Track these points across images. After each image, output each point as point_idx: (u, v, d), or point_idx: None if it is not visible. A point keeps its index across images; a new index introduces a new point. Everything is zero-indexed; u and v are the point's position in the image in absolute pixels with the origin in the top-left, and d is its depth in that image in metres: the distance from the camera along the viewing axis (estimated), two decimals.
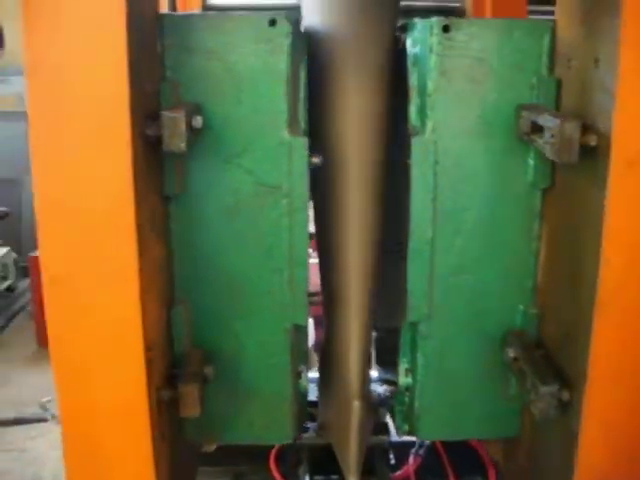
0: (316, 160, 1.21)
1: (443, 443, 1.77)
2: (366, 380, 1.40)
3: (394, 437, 1.79)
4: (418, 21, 1.25)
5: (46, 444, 3.87)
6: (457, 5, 1.67)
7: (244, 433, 1.35)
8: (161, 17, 1.14)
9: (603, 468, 1.11)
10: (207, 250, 1.24)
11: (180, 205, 1.19)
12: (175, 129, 1.02)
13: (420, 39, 1.22)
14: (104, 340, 1.04)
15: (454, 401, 1.32)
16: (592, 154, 1.04)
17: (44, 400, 4.33)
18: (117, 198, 1.00)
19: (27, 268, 6.02)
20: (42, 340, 5.32)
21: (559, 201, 1.19)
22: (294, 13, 1.19)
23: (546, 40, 1.19)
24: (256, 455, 1.73)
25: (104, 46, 0.95)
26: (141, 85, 1.01)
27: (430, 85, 1.18)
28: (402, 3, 1.38)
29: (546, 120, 1.08)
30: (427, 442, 1.86)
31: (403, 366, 1.32)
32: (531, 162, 1.20)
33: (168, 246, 1.20)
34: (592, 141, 1.03)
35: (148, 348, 1.06)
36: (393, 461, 1.73)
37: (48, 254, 1.01)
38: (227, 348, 1.28)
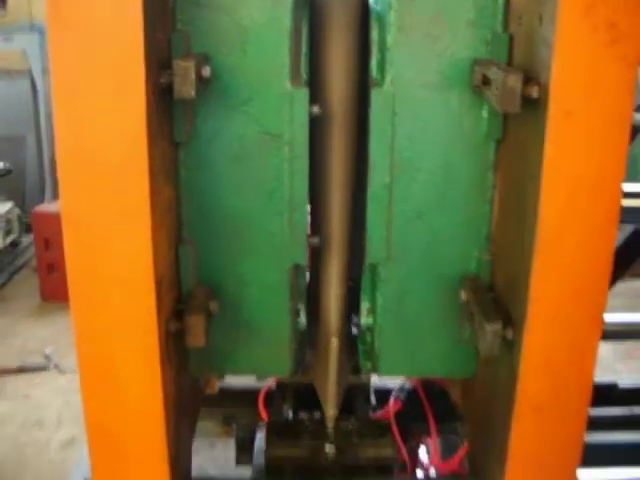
0: (316, 110, 1.28)
1: (424, 389, 1.87)
2: (344, 320, 1.48)
3: (377, 382, 1.90)
4: None
5: (49, 391, 4.01)
6: None
7: (245, 366, 1.43)
8: None
9: (540, 400, 1.19)
10: (213, 193, 1.31)
11: (188, 151, 1.27)
12: (186, 77, 1.08)
13: None
14: (118, 274, 1.12)
15: (412, 341, 1.39)
16: (535, 106, 1.09)
17: (47, 350, 4.47)
18: (131, 143, 1.06)
19: (31, 224, 6.13)
20: (45, 294, 5.43)
21: (509, 152, 1.25)
22: None
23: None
24: (244, 399, 1.82)
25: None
26: (154, 36, 1.07)
27: (389, 40, 1.24)
28: None
29: (493, 73, 1.14)
30: (407, 386, 1.97)
31: (364, 306, 1.40)
32: (485, 114, 1.26)
33: (177, 189, 1.27)
34: (534, 93, 1.08)
35: (158, 282, 1.13)
36: (374, 402, 1.85)
37: (67, 195, 1.08)
38: (230, 286, 1.36)
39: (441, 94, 1.26)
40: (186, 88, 1.08)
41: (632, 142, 3.60)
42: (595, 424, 1.96)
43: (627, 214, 2.22)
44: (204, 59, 1.15)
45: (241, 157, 1.28)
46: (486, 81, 1.18)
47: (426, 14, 1.24)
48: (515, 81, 1.08)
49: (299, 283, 1.40)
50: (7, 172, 5.82)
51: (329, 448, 1.48)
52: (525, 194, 1.16)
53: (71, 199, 1.08)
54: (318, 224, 1.40)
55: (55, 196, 6.73)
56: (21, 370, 4.22)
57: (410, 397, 1.93)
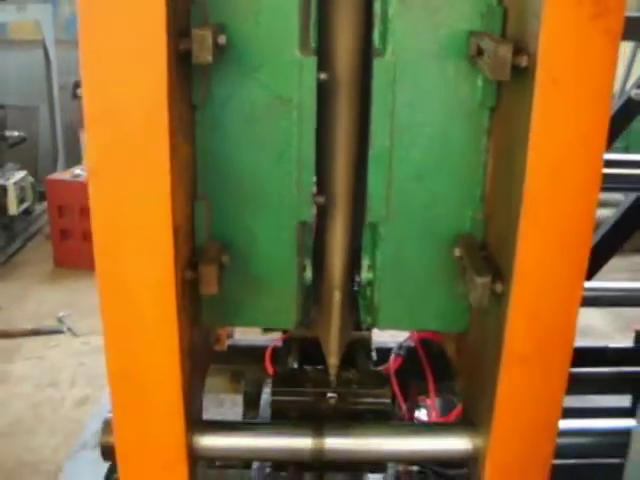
0: (323, 76, 1.37)
1: (423, 348, 1.96)
2: (347, 276, 1.58)
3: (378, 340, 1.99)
4: None
5: (63, 353, 4.15)
6: None
7: (253, 317, 1.52)
8: None
9: (526, 350, 1.28)
10: (226, 153, 1.40)
11: (204, 113, 1.35)
12: (203, 44, 1.17)
13: None
14: (138, 225, 1.21)
15: (410, 296, 1.48)
16: (524, 74, 1.17)
17: (61, 314, 4.61)
18: (153, 103, 1.15)
19: (44, 192, 6.24)
20: (58, 260, 5.58)
21: (502, 119, 1.34)
22: None
23: None
24: (252, 356, 1.92)
25: None
26: (175, 6, 1.15)
27: (391, 12, 1.31)
28: None
29: (486, 43, 1.22)
30: (407, 343, 2.07)
31: (365, 262, 1.48)
32: (480, 83, 1.33)
33: (193, 149, 1.36)
34: (523, 62, 1.16)
35: (175, 231, 1.22)
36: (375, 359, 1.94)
37: (92, 151, 1.17)
38: (241, 241, 1.44)
39: (439, 64, 1.34)
40: (203, 54, 1.16)
41: (634, 117, 3.69)
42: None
43: (632, 182, 2.31)
44: (220, 28, 1.23)
45: (252, 120, 1.37)
46: (480, 51, 1.26)
47: None
48: (506, 51, 1.16)
49: (305, 239, 1.49)
50: (21, 140, 5.93)
51: (331, 395, 1.58)
52: (514, 158, 1.25)
53: (96, 155, 1.17)
54: (324, 184, 1.49)
55: (67, 165, 6.83)
56: (35, 333, 4.36)
57: (410, 355, 2.03)
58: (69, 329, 4.38)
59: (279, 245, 1.45)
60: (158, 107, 1.14)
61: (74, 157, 7.17)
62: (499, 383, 1.32)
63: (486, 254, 1.38)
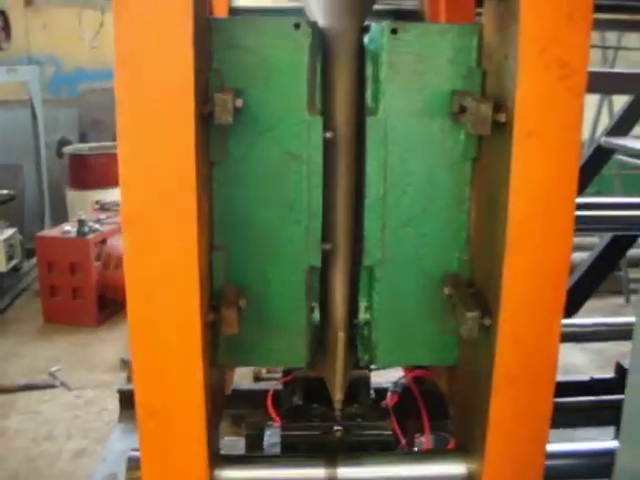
0: (329, 135, 1.51)
1: (417, 386, 2.06)
2: (349, 318, 1.68)
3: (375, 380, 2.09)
4: (374, 24, 1.55)
5: (57, 407, 4.20)
6: (417, 9, 1.97)
7: (267, 357, 1.63)
8: (211, 20, 1.44)
9: (514, 373, 1.40)
10: (241, 205, 1.52)
11: (221, 169, 1.49)
12: (225, 107, 1.31)
13: (375, 39, 1.51)
14: (168, 272, 1.32)
15: (404, 334, 1.60)
16: (503, 129, 1.32)
17: (53, 369, 4.66)
18: (183, 163, 1.28)
19: (31, 249, 6.32)
20: (48, 316, 5.63)
21: (483, 169, 1.48)
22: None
23: (474, 40, 1.47)
24: (253, 400, 2.01)
25: (177, 45, 1.23)
26: (199, 75, 1.29)
27: (382, 75, 1.47)
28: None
29: (468, 102, 1.37)
30: (402, 381, 2.17)
31: (363, 304, 1.60)
32: (462, 137, 1.48)
33: (210, 202, 1.48)
34: (502, 118, 1.31)
35: (201, 279, 1.34)
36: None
37: (127, 203, 1.29)
38: (255, 285, 1.55)
39: (425, 120, 1.49)
40: (224, 116, 1.30)
41: (605, 163, 3.93)
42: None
43: (605, 223, 2.48)
44: (237, 92, 1.36)
45: (266, 174, 1.50)
46: (462, 109, 1.40)
47: (412, 53, 1.46)
48: (487, 108, 1.31)
49: (314, 283, 1.60)
50: (10, 198, 6.03)
51: (337, 428, 1.69)
52: (496, 203, 1.38)
53: (131, 207, 1.28)
54: (328, 232, 1.60)
55: (54, 222, 6.92)
56: (29, 387, 4.40)
57: (405, 392, 2.13)
58: (62, 383, 4.43)
59: (290, 288, 1.57)
60: (187, 166, 1.28)
61: (60, 214, 7.27)
62: (491, 406, 1.43)
63: (473, 291, 1.51)
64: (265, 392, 1.97)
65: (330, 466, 1.52)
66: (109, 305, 5.66)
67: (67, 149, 7.50)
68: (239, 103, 1.34)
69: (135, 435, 2.13)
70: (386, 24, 1.46)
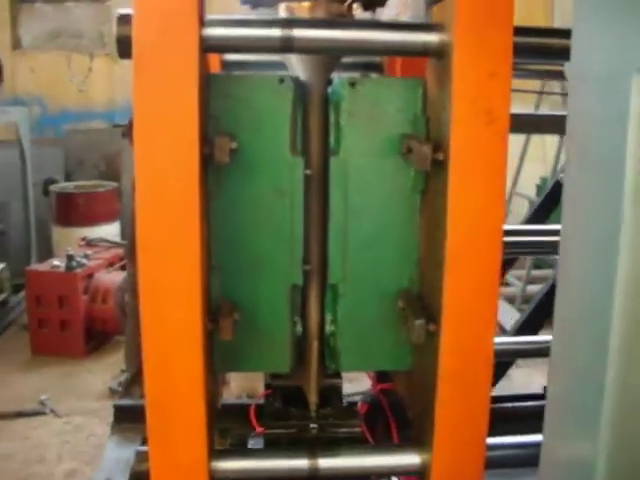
0: (308, 172, 1.76)
1: (386, 398, 2.27)
2: (321, 329, 1.88)
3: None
4: (336, 77, 1.82)
5: (47, 432, 4.37)
6: (378, 61, 2.25)
7: (255, 363, 1.86)
8: (210, 76, 1.69)
9: (455, 374, 1.62)
10: (235, 232, 1.74)
11: (218, 201, 1.71)
12: (223, 149, 1.55)
13: (336, 90, 1.76)
14: (176, 288, 1.55)
15: (365, 343, 1.81)
16: (442, 166, 1.57)
17: (43, 397, 4.83)
18: (188, 193, 1.51)
19: (18, 284, 6.50)
20: (36, 348, 5.80)
21: (429, 199, 1.72)
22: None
23: (420, 92, 1.71)
24: (237, 414, 2.20)
25: (185, 100, 1.49)
26: (201, 122, 1.53)
27: (342, 121, 1.71)
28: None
29: (413, 144, 1.64)
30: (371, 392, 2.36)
31: (328, 317, 1.81)
32: (411, 173, 1.71)
33: (209, 228, 1.70)
34: (440, 157, 1.55)
35: (202, 294, 1.57)
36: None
37: (142, 230, 1.53)
38: (246, 300, 1.76)
39: (380, 159, 1.73)
40: (222, 156, 1.54)
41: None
42: None
43: (531, 247, 2.75)
44: (232, 136, 1.59)
45: (256, 206, 1.73)
46: (410, 150, 1.66)
47: (367, 102, 1.71)
48: (427, 149, 1.56)
49: (296, 300, 1.82)
50: (0, 234, 6.22)
51: (313, 426, 1.89)
52: (439, 228, 1.61)
53: (145, 233, 1.53)
54: (308, 255, 1.82)
55: (39, 258, 7.10)
56: (19, 415, 4.57)
57: (374, 403, 2.33)
58: (52, 410, 4.60)
59: (276, 304, 1.79)
60: (192, 195, 1.52)
61: (45, 251, 7.46)
62: (436, 403, 1.66)
63: (422, 303, 1.75)
64: (248, 406, 2.13)
65: (312, 457, 1.73)
66: (96, 337, 5.85)
67: (53, 187, 7.71)
68: (234, 145, 1.57)
69: (129, 445, 2.36)
70: (346, 78, 1.73)
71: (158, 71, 1.48)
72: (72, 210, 7.39)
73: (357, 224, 1.76)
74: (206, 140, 1.55)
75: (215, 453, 1.71)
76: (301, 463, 1.74)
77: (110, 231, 7.45)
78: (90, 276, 5.84)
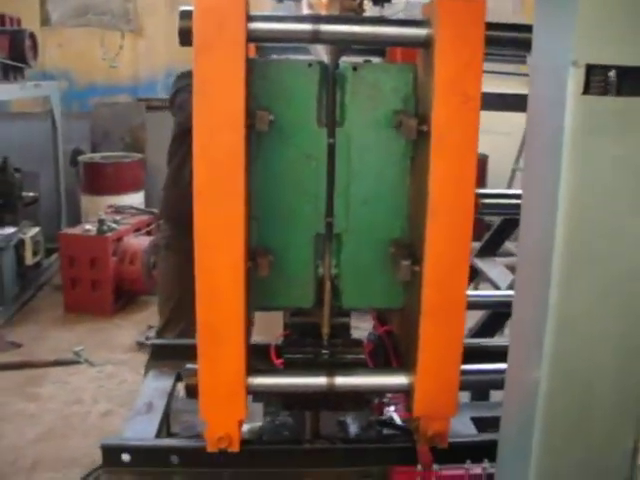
0: (331, 140, 2.05)
1: (389, 336, 2.43)
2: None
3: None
4: (341, 62, 2.17)
5: (84, 379, 4.79)
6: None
7: (283, 299, 2.15)
8: (251, 61, 1.95)
9: (435, 308, 1.92)
10: (270, 188, 2.04)
11: (257, 163, 2.00)
12: (263, 120, 1.87)
13: (341, 72, 2.06)
14: (225, 231, 1.83)
15: (363, 283, 2.11)
16: (426, 135, 1.87)
17: (77, 349, 5.25)
18: (236, 156, 1.81)
19: (49, 248, 6.89)
20: (68, 306, 6.21)
21: (417, 163, 2.02)
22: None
23: (411, 75, 2.01)
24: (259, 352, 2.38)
25: (234, 79, 1.80)
26: (246, 98, 1.84)
27: (346, 99, 2.02)
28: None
29: (403, 118, 1.97)
30: (376, 332, 2.52)
31: (333, 262, 2.11)
32: (402, 142, 2.01)
33: (249, 186, 1.94)
34: (425, 128, 1.87)
35: (245, 239, 1.90)
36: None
37: (199, 178, 1.83)
38: (277, 246, 2.05)
39: (377, 131, 2.03)
40: (262, 126, 1.86)
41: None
42: None
43: (500, 209, 3.12)
44: (269, 110, 1.92)
45: (287, 168, 2.03)
46: (401, 123, 1.97)
47: (367, 84, 2.02)
48: (413, 122, 1.89)
49: (319, 246, 2.10)
50: (34, 201, 6.62)
51: (325, 352, 2.19)
52: (424, 187, 1.91)
53: (201, 185, 1.83)
54: (329, 209, 2.10)
55: (69, 224, 7.49)
56: (57, 363, 4.97)
57: (378, 342, 2.52)
58: (86, 360, 5.01)
59: (302, 249, 2.09)
60: (238, 159, 1.83)
61: (74, 217, 7.86)
62: (419, 332, 1.96)
63: (410, 249, 2.03)
64: (269, 345, 2.35)
65: (330, 376, 2.05)
66: (124, 296, 6.27)
67: (82, 158, 8.08)
68: (271, 117, 1.90)
69: (164, 378, 2.71)
70: (349, 63, 2.08)
71: (214, 57, 1.79)
72: (99, 179, 7.76)
73: (357, 184, 2.07)
74: (248, 113, 1.86)
75: (251, 370, 2.01)
76: (320, 380, 2.06)
77: (135, 200, 7.82)
78: (119, 240, 6.23)
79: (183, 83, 3.49)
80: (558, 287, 1.58)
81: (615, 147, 1.53)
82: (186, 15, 1.82)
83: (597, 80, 1.50)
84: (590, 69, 1.48)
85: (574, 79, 1.49)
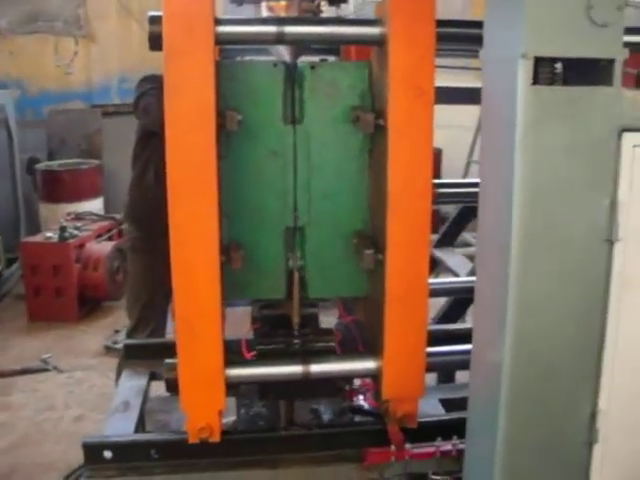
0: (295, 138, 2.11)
1: (356, 325, 2.50)
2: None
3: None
4: (300, 62, 2.25)
5: (53, 385, 4.76)
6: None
7: (256, 292, 2.26)
8: (219, 63, 2.03)
9: (399, 294, 2.02)
10: (239, 186, 2.12)
11: (226, 161, 2.08)
12: (233, 120, 1.96)
13: (300, 71, 2.14)
14: (198, 228, 1.94)
15: (327, 274, 2.21)
16: (383, 129, 1.97)
17: (44, 356, 5.23)
18: (208, 155, 1.91)
19: (9, 258, 6.83)
20: (32, 315, 6.15)
21: (375, 157, 2.12)
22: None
23: (366, 72, 2.11)
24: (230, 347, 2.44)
25: (205, 81, 1.88)
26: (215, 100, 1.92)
27: (305, 96, 2.11)
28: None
29: (360, 113, 2.05)
30: (343, 321, 2.63)
31: (297, 254, 2.19)
32: (360, 137, 2.11)
33: (220, 183, 2.00)
34: (381, 122, 1.97)
35: (218, 235, 1.97)
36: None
37: (172, 179, 1.92)
38: (249, 240, 2.13)
39: (335, 126, 2.13)
40: (232, 125, 1.95)
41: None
42: None
43: (457, 197, 3.24)
44: (237, 110, 1.99)
45: (256, 165, 2.12)
46: (358, 118, 2.06)
47: (325, 81, 2.11)
48: (370, 117, 1.99)
49: (288, 239, 2.20)
50: None
51: (296, 342, 2.26)
52: (382, 179, 2.01)
53: (175, 184, 1.91)
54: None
55: (28, 232, 7.43)
56: (24, 372, 4.95)
57: (347, 332, 2.58)
58: (54, 367, 5.00)
59: (273, 243, 2.18)
60: (210, 158, 1.92)
61: (33, 226, 7.79)
62: (385, 319, 2.06)
63: (372, 240, 2.13)
64: (239, 340, 2.38)
65: (305, 363, 2.14)
66: (88, 302, 6.25)
67: (39, 166, 8.02)
68: (240, 117, 1.98)
69: (138, 377, 2.76)
70: (307, 62, 2.17)
71: (184, 61, 1.87)
72: (58, 187, 7.70)
73: (318, 178, 2.16)
74: (218, 113, 1.93)
75: (228, 362, 2.08)
76: (296, 369, 2.15)
77: (95, 206, 7.76)
78: (81, 246, 6.20)
79: (146, 87, 3.54)
80: (516, 271, 1.69)
81: (564, 134, 1.64)
82: (155, 20, 1.88)
83: (545, 72, 1.62)
84: (538, 61, 1.59)
85: (524, 70, 1.60)
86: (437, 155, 7.52)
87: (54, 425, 4.13)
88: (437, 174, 7.69)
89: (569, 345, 1.74)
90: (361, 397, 2.66)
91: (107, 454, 2.16)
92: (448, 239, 4.36)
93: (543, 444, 1.77)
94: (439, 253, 4.40)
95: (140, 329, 3.72)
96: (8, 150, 7.46)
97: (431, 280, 4.18)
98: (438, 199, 2.33)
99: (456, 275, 4.07)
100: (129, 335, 3.77)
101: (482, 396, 1.88)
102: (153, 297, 3.72)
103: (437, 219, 5.47)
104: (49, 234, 6.20)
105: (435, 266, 4.55)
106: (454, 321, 3.68)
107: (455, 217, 4.25)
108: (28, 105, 9.35)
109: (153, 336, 3.67)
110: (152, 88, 3.43)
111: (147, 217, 3.66)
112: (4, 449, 3.84)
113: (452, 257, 4.34)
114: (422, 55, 1.96)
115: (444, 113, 3.61)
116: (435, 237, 4.49)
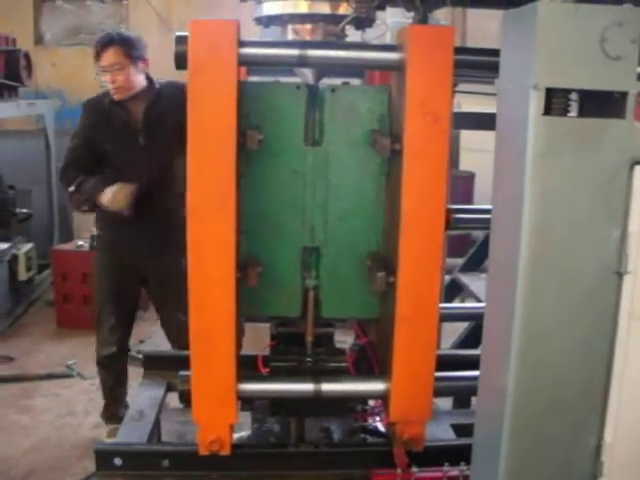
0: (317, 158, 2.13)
1: (371, 346, 2.47)
2: None
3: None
4: (320, 85, 2.28)
5: (76, 391, 4.83)
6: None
7: (272, 309, 2.27)
8: (242, 83, 2.05)
9: (409, 315, 2.02)
10: (260, 203, 2.16)
11: (247, 179, 2.11)
12: (253, 139, 1.98)
13: (321, 94, 2.17)
14: (216, 245, 1.97)
15: (341, 294, 2.22)
16: (399, 153, 1.98)
17: (69, 362, 5.31)
18: (228, 173, 1.93)
19: (41, 264, 6.96)
20: (61, 321, 6.26)
21: (391, 180, 2.13)
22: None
23: (386, 96, 2.14)
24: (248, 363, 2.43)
25: (227, 101, 1.92)
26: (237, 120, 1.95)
27: (325, 119, 2.14)
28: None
29: (378, 137, 2.08)
30: (359, 342, 2.61)
31: (312, 274, 2.20)
32: (378, 160, 2.12)
33: (239, 200, 2.01)
34: (397, 146, 1.98)
35: (236, 252, 2.00)
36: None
37: (192, 198, 1.95)
38: (266, 258, 2.16)
39: (354, 149, 2.15)
40: (253, 145, 1.97)
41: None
42: None
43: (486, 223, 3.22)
44: (258, 129, 2.02)
45: (276, 183, 2.14)
46: (375, 141, 2.10)
47: (345, 105, 2.14)
48: (386, 141, 2.00)
49: (306, 259, 2.22)
50: (28, 217, 6.69)
51: (309, 359, 2.29)
52: (397, 202, 2.02)
53: (194, 202, 1.94)
54: None
55: (62, 239, 7.56)
56: (49, 377, 5.03)
57: (363, 353, 2.56)
58: (78, 374, 5.08)
59: (290, 261, 2.20)
60: (230, 177, 1.94)
61: (67, 234, 7.93)
62: (394, 340, 2.05)
63: (385, 262, 2.14)
64: (256, 356, 2.41)
65: (317, 382, 2.15)
66: None
67: None
68: (261, 137, 2.00)
69: (156, 387, 2.81)
70: (328, 85, 2.20)
71: (207, 79, 1.91)
72: None
73: (335, 199, 2.18)
74: (239, 132, 1.96)
75: (241, 377, 2.09)
76: (308, 387, 2.16)
77: None
78: None
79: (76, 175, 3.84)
80: (524, 300, 1.69)
81: (575, 165, 1.64)
82: (181, 40, 1.93)
83: (558, 102, 1.63)
84: (550, 92, 1.60)
85: (535, 101, 1.61)
86: (470, 179, 7.45)
87: (74, 431, 4.19)
88: (469, 198, 7.62)
89: (575, 377, 1.74)
90: (377, 418, 2.67)
91: (117, 461, 2.20)
92: (474, 264, 4.33)
93: (547, 476, 1.77)
94: (464, 278, 4.40)
95: (103, 318, 3.92)
96: (45, 159, 7.61)
97: (452, 305, 4.23)
98: (459, 224, 2.33)
99: (479, 300, 4.06)
100: (96, 327, 4.00)
101: (486, 424, 1.88)
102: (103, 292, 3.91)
103: (466, 243, 5.49)
104: (80, 242, 6.32)
105: (460, 291, 4.56)
106: (474, 346, 3.66)
107: (482, 242, 4.25)
108: (67, 116, 9.47)
109: (115, 330, 3.88)
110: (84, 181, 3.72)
111: (105, 215, 3.89)
112: (24, 451, 3.91)
113: (476, 282, 4.34)
114: (439, 81, 1.97)
115: (478, 137, 3.62)
116: (461, 261, 4.49)
